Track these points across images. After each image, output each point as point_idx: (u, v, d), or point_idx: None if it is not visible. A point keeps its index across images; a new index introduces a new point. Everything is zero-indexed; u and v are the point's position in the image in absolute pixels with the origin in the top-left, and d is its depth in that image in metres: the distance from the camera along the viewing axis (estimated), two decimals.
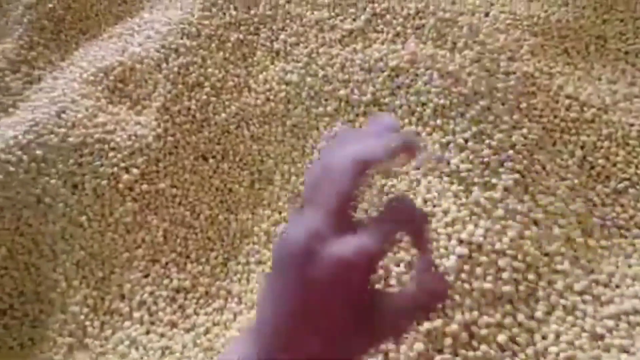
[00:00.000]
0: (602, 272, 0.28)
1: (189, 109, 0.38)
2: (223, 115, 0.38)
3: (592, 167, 0.32)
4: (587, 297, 0.27)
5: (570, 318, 0.26)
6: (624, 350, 0.25)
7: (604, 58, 0.38)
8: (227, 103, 0.39)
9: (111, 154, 0.35)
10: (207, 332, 0.31)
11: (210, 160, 0.37)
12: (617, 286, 0.28)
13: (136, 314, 0.32)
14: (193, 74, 0.39)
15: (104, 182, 0.34)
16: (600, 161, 0.32)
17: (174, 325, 0.32)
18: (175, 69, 0.39)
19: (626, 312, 0.26)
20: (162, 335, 0.32)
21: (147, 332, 0.32)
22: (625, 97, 0.35)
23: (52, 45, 0.44)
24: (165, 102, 0.38)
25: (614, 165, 0.32)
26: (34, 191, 0.34)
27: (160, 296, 0.33)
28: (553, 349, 0.25)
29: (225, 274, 0.34)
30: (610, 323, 0.26)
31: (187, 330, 0.32)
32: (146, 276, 0.33)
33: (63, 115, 0.36)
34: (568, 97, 0.34)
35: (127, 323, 0.32)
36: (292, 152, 0.37)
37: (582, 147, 0.33)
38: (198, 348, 0.30)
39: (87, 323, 0.33)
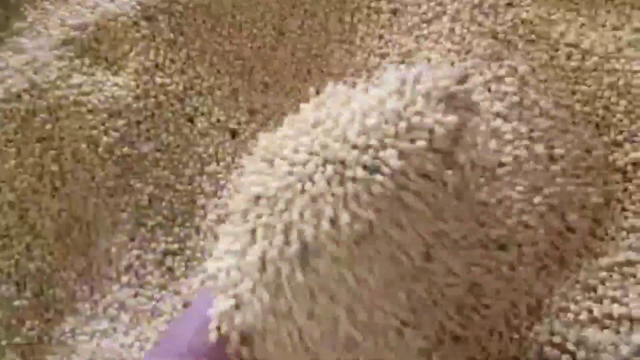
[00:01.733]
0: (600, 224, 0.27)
1: (170, 69, 0.37)
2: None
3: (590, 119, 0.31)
4: (583, 251, 0.26)
5: (565, 272, 0.26)
6: (616, 301, 0.24)
7: (609, 3, 0.35)
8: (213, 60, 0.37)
9: (89, 116, 0.34)
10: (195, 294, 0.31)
11: (197, 123, 0.36)
12: (613, 238, 0.27)
13: (124, 278, 0.32)
14: (172, 33, 0.37)
15: (83, 145, 0.33)
16: (600, 112, 0.31)
17: (162, 287, 0.32)
18: (153, 27, 0.37)
19: (620, 264, 0.26)
20: (150, 297, 0.31)
21: (136, 295, 0.32)
22: (630, 43, 0.33)
23: (20, 6, 0.41)
24: (143, 62, 0.36)
25: (614, 115, 0.31)
26: None
27: (147, 260, 0.32)
28: (545, 301, 0.24)
29: (213, 237, 0.34)
30: (603, 274, 0.25)
31: (177, 293, 0.32)
32: (132, 239, 0.33)
33: (35, 77, 0.34)
34: (569, 45, 0.32)
35: (115, 287, 0.32)
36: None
37: (582, 98, 0.31)
38: None
39: (76, 288, 0.32)
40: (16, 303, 0.31)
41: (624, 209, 0.28)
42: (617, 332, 0.23)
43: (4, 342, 0.30)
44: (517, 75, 0.30)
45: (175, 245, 0.33)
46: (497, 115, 0.28)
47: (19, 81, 0.34)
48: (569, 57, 0.32)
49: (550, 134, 0.29)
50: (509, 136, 0.27)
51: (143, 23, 0.37)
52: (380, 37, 0.36)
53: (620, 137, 0.30)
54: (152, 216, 0.34)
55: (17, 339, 0.31)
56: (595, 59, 0.32)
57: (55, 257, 0.33)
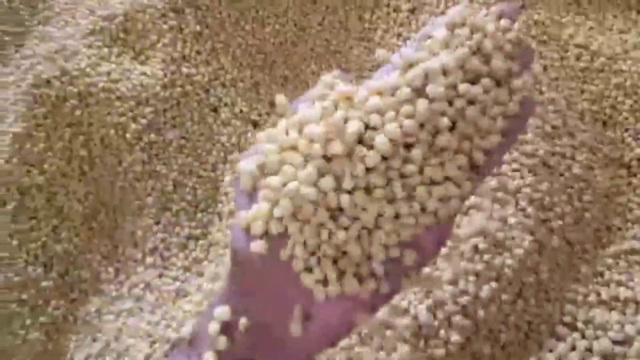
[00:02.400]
0: (607, 216, 0.29)
1: (195, 60, 0.38)
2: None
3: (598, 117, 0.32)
4: (592, 240, 0.28)
5: (575, 259, 0.27)
6: (622, 285, 0.26)
7: (616, 8, 0.37)
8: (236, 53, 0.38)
9: (117, 103, 0.35)
10: (216, 278, 0.32)
11: (221, 113, 0.37)
12: (619, 229, 0.29)
13: (149, 259, 0.33)
14: (199, 25, 0.38)
15: (112, 131, 0.34)
16: (608, 110, 0.32)
17: (186, 269, 0.33)
18: (180, 19, 0.38)
19: (626, 252, 0.27)
20: (175, 278, 0.33)
21: (161, 276, 0.33)
22: (636, 46, 0.34)
23: None
24: (171, 53, 0.37)
25: (620, 114, 0.33)
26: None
27: (172, 243, 0.34)
28: (556, 283, 0.26)
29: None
30: (610, 261, 0.27)
31: (200, 275, 0.33)
32: (157, 223, 0.34)
33: (66, 65, 0.35)
34: (578, 46, 0.34)
35: (140, 268, 0.33)
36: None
37: (590, 97, 0.33)
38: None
39: (101, 269, 0.33)
40: (43, 284, 0.32)
41: (629, 201, 0.30)
42: (623, 313, 0.25)
43: (29, 322, 0.31)
44: (530, 73, 0.31)
45: (198, 231, 0.34)
46: None
47: (49, 68, 0.35)
48: (578, 57, 0.34)
49: (561, 131, 0.30)
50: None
51: (171, 15, 0.38)
52: (399, 35, 0.37)
53: (626, 135, 0.32)
54: (176, 201, 0.35)
55: (43, 319, 0.32)
56: (602, 60, 0.34)
57: (81, 239, 0.34)
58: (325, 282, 0.16)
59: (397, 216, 0.17)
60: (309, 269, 0.17)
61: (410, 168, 0.16)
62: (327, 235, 0.16)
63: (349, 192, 0.17)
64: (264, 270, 0.17)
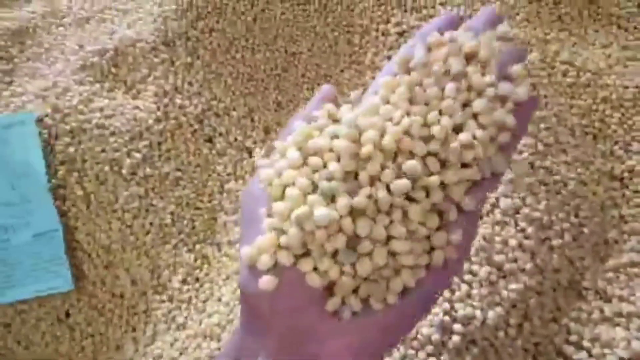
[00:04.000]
0: (603, 229, 0.29)
1: (188, 91, 0.38)
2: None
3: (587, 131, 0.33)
4: (590, 254, 0.28)
5: (575, 275, 0.27)
6: (624, 300, 0.26)
7: (597, 23, 0.38)
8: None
9: (111, 138, 0.35)
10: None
11: (216, 143, 0.37)
12: (616, 242, 0.29)
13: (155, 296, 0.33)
14: (190, 56, 0.39)
15: (107, 167, 0.34)
16: (597, 124, 0.33)
17: (188, 302, 0.33)
18: (171, 51, 0.38)
19: (624, 265, 0.28)
20: (174, 310, 0.32)
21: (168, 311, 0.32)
22: (619, 60, 0.35)
23: (35, 32, 0.42)
24: (163, 85, 0.37)
25: (609, 127, 0.33)
26: None
27: (173, 276, 0.33)
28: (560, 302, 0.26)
29: (233, 256, 0.35)
30: (610, 275, 0.27)
31: (202, 310, 0.32)
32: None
33: (57, 102, 0.35)
34: (564, 62, 0.35)
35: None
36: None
37: (578, 112, 0.33)
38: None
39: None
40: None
41: (624, 214, 0.30)
42: (628, 329, 0.25)
43: None
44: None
45: (198, 262, 0.34)
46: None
47: (40, 106, 0.35)
48: (564, 74, 0.35)
49: (554, 148, 0.31)
50: (518, 147, 0.29)
51: (161, 47, 0.38)
52: (389, 57, 0.38)
53: (616, 147, 0.32)
54: (174, 234, 0.34)
55: None
56: (588, 75, 0.35)
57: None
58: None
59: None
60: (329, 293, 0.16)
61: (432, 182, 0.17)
62: (348, 267, 0.16)
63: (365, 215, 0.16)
64: (273, 308, 0.16)
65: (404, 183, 0.16)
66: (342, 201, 0.16)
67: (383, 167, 0.17)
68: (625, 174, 0.32)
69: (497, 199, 0.28)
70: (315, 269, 0.16)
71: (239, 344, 0.18)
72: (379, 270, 0.16)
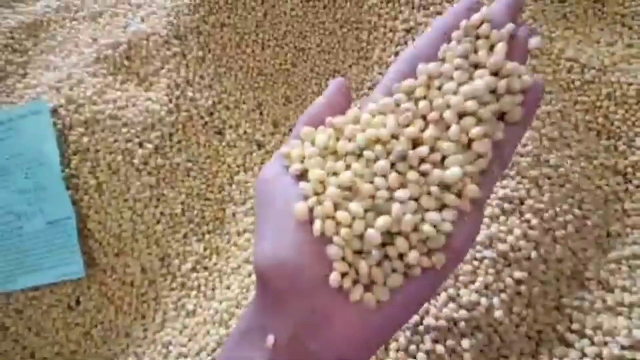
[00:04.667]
0: (607, 223, 0.30)
1: (199, 84, 0.38)
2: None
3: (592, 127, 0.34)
4: (594, 246, 0.29)
5: (579, 266, 0.28)
6: (626, 290, 0.26)
7: (602, 22, 0.39)
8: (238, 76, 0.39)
9: (124, 129, 0.35)
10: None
11: (226, 135, 0.38)
12: (619, 235, 0.30)
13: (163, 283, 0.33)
14: (201, 50, 0.39)
15: (119, 157, 0.35)
16: (600, 120, 0.34)
17: (197, 290, 0.33)
18: (183, 45, 0.39)
19: (627, 257, 0.28)
20: (183, 297, 0.33)
21: (178, 299, 0.33)
22: (623, 58, 0.36)
23: (49, 25, 0.43)
24: (175, 78, 0.38)
25: (612, 123, 0.34)
26: None
27: (182, 266, 0.34)
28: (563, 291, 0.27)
29: (242, 246, 0.35)
30: (613, 266, 0.28)
31: (211, 297, 0.33)
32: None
33: (71, 93, 0.36)
34: (569, 59, 0.36)
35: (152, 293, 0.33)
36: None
37: (583, 108, 0.34)
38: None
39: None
40: None
41: (626, 207, 0.31)
42: (629, 318, 0.25)
43: None
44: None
45: (208, 251, 0.35)
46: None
47: (55, 97, 0.36)
48: (569, 70, 0.35)
49: (558, 142, 0.31)
50: (523, 141, 0.30)
51: (174, 41, 0.39)
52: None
53: (619, 143, 0.33)
54: (184, 224, 0.35)
55: None
56: (593, 72, 0.35)
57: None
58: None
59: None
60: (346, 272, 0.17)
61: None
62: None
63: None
64: (293, 284, 0.17)
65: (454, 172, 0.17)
66: (393, 176, 0.17)
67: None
68: (629, 169, 0.32)
69: (503, 190, 0.28)
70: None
71: (251, 319, 0.18)
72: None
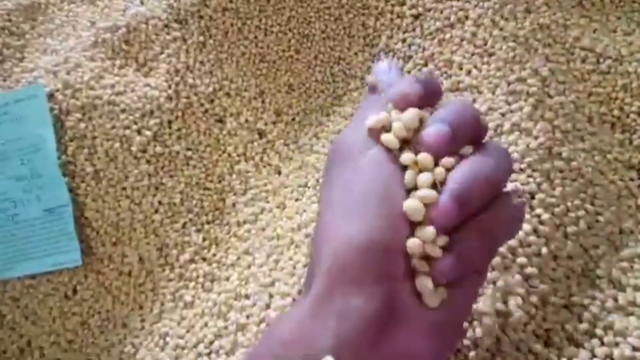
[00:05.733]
0: (619, 220, 0.29)
1: (199, 70, 0.37)
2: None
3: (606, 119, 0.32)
4: (605, 243, 0.28)
5: (591, 264, 0.27)
6: (638, 289, 0.26)
7: (619, 10, 0.37)
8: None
9: (122, 115, 0.34)
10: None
11: (226, 123, 0.37)
12: (631, 232, 0.29)
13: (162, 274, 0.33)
14: (202, 35, 0.38)
15: (117, 144, 0.34)
16: (616, 112, 0.32)
17: (195, 281, 0.33)
18: (184, 29, 0.38)
19: (638, 255, 0.27)
20: (181, 289, 0.32)
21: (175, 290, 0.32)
22: None
23: (47, 8, 0.42)
24: (175, 64, 0.37)
25: (628, 116, 0.32)
26: None
27: (180, 256, 0.33)
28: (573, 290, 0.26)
29: (242, 237, 0.34)
30: (625, 265, 0.27)
31: (209, 289, 0.32)
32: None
33: (68, 78, 0.35)
34: (584, 49, 0.34)
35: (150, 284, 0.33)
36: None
37: (597, 99, 0.33)
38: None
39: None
40: None
41: (639, 205, 0.30)
42: None
43: None
44: (538, 77, 0.31)
45: (207, 242, 0.34)
46: (521, 111, 0.30)
47: (52, 82, 0.35)
48: (584, 60, 0.34)
49: (571, 135, 0.30)
50: (535, 133, 0.29)
51: (174, 25, 0.38)
52: (404, 40, 0.37)
53: (634, 137, 0.32)
54: (183, 214, 0.34)
55: None
56: (608, 62, 0.34)
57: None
58: None
59: None
60: None
61: None
62: None
63: None
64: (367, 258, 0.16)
65: None
66: None
67: None
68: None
69: (513, 184, 0.27)
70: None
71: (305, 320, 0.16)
72: None
